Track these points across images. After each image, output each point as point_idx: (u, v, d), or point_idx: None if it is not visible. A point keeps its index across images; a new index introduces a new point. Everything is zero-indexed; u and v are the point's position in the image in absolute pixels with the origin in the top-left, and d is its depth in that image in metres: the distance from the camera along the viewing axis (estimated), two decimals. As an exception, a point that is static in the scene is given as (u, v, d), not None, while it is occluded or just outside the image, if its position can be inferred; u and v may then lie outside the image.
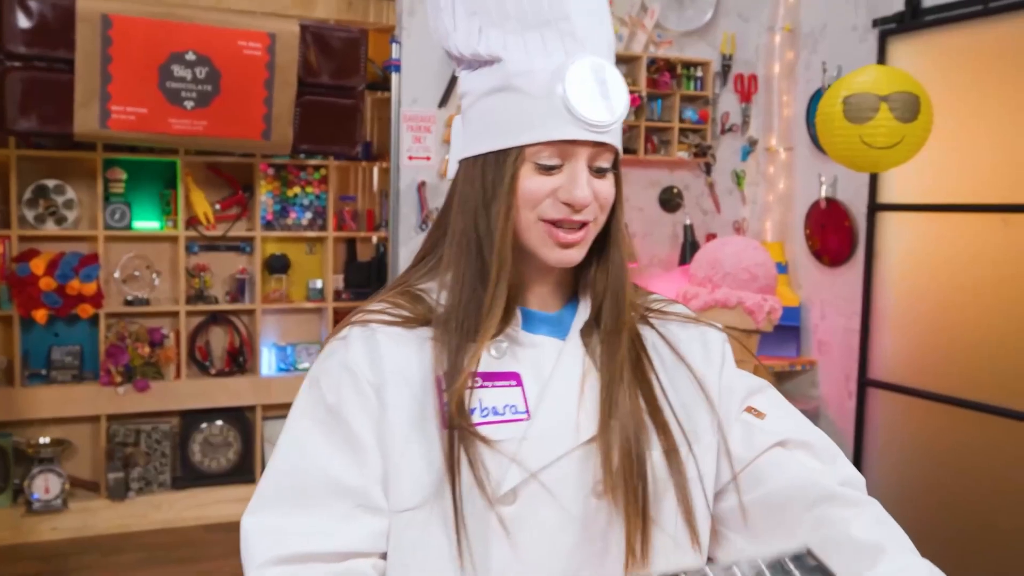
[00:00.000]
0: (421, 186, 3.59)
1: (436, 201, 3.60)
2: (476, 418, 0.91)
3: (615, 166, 0.96)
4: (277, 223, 4.50)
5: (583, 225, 0.93)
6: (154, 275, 4.35)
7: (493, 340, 0.94)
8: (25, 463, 4.02)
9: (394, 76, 3.53)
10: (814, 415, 3.79)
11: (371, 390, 0.92)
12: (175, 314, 4.36)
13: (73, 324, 4.19)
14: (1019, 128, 2.99)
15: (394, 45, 3.53)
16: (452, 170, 1.00)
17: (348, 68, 3.84)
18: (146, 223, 4.30)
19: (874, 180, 3.52)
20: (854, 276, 3.64)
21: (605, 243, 0.98)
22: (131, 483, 4.18)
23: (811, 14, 3.89)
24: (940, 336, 3.26)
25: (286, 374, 4.55)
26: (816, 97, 3.78)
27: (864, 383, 3.57)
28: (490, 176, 0.93)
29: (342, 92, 3.87)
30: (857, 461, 3.57)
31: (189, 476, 4.33)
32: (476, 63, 0.96)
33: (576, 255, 0.95)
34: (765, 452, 0.98)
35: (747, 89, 4.09)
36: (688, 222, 4.00)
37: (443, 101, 3.59)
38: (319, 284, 4.62)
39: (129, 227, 4.23)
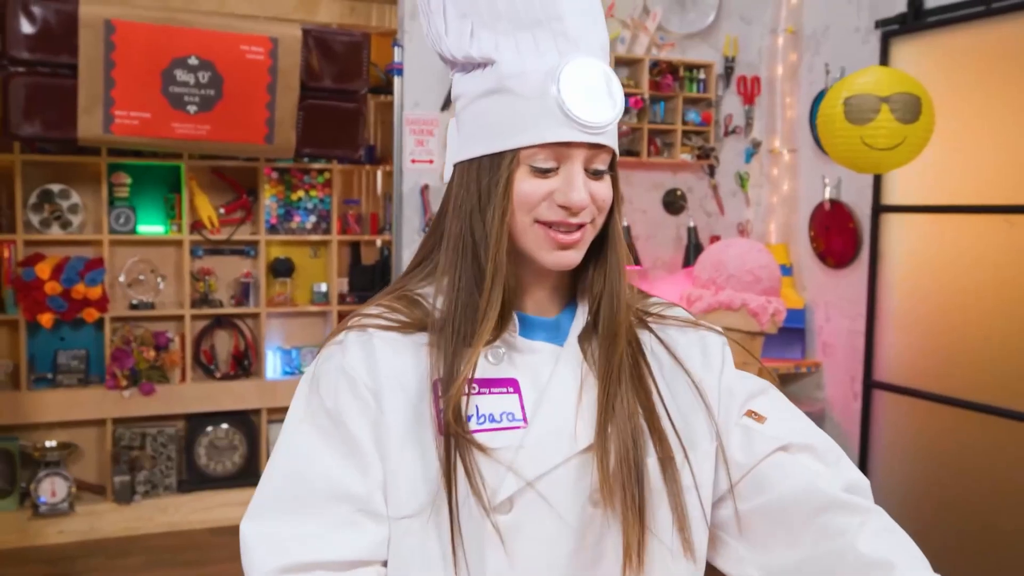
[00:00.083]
0: (424, 189, 3.59)
1: (439, 204, 3.60)
2: (473, 425, 0.89)
3: (612, 167, 0.94)
4: (281, 227, 4.51)
5: (580, 226, 0.92)
6: (159, 279, 4.36)
7: (490, 346, 0.92)
8: (31, 467, 4.04)
9: (396, 80, 3.53)
10: (819, 417, 3.78)
11: (369, 395, 0.91)
12: (180, 318, 4.37)
13: (78, 328, 4.20)
14: (1023, 129, 2.98)
15: (396, 49, 3.53)
16: (447, 173, 0.99)
17: (350, 72, 3.85)
18: (151, 227, 4.32)
19: (878, 181, 3.51)
20: (859, 278, 3.63)
21: (603, 246, 0.97)
22: (137, 486, 4.20)
23: (813, 16, 3.88)
24: (945, 338, 3.25)
25: (291, 377, 4.56)
26: (819, 99, 3.77)
27: (869, 385, 3.56)
28: (485, 180, 0.91)
29: (345, 96, 3.87)
30: (863, 463, 3.56)
31: (195, 479, 4.34)
32: (469, 66, 0.94)
33: (574, 257, 0.93)
34: (767, 457, 0.97)
35: (750, 91, 4.08)
36: (692, 224, 4.00)
37: (445, 104, 3.59)
38: (323, 287, 4.62)
39: (134, 231, 4.24)
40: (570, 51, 0.90)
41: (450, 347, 0.91)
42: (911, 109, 2.58)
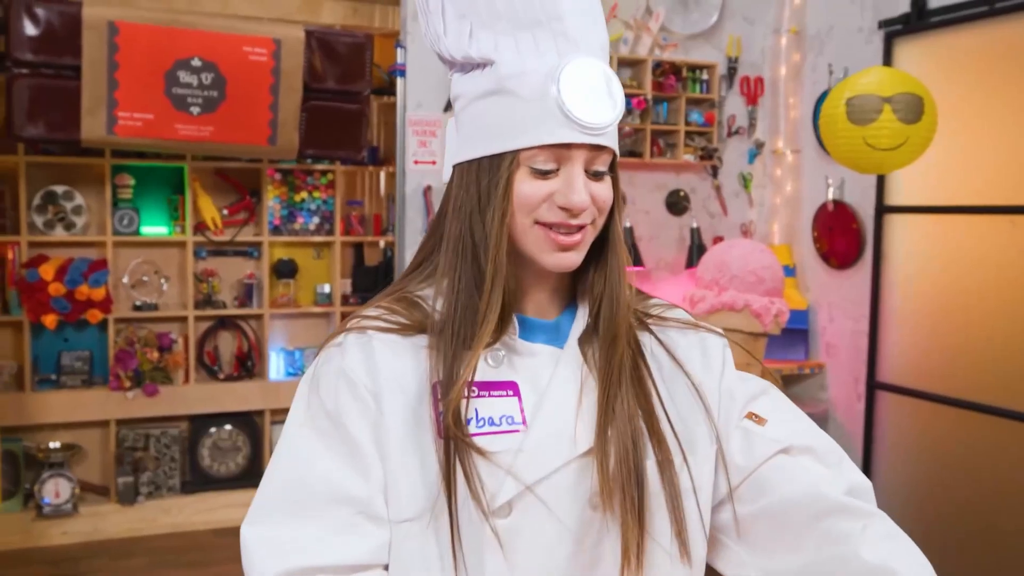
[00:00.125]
0: (427, 190, 3.60)
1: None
2: (472, 429, 0.89)
3: (612, 168, 0.93)
4: (284, 228, 4.52)
5: (581, 228, 0.91)
6: (162, 280, 4.37)
7: (490, 348, 0.92)
8: (35, 468, 4.04)
9: (399, 81, 3.53)
10: (823, 418, 3.78)
11: (369, 396, 0.91)
12: (183, 319, 4.37)
13: (82, 329, 4.21)
14: (1027, 129, 2.98)
15: (399, 50, 3.54)
16: (446, 174, 0.98)
17: (353, 73, 3.85)
18: (154, 228, 4.32)
19: (881, 182, 3.50)
20: (862, 278, 3.62)
21: (603, 248, 0.96)
22: (141, 487, 4.20)
23: (817, 16, 3.87)
24: (949, 338, 3.24)
25: (294, 378, 4.56)
26: (823, 99, 3.77)
27: (873, 386, 3.55)
28: (484, 181, 0.90)
29: (348, 97, 3.88)
30: (866, 464, 3.55)
31: (198, 480, 4.34)
32: (468, 66, 0.94)
33: (574, 258, 0.92)
34: (767, 460, 0.96)
35: (753, 91, 4.08)
36: (695, 225, 3.99)
37: (448, 105, 3.59)
38: (327, 288, 4.63)
39: (137, 232, 4.25)
40: (570, 51, 0.89)
41: (450, 350, 0.90)
42: (913, 109, 2.57)
